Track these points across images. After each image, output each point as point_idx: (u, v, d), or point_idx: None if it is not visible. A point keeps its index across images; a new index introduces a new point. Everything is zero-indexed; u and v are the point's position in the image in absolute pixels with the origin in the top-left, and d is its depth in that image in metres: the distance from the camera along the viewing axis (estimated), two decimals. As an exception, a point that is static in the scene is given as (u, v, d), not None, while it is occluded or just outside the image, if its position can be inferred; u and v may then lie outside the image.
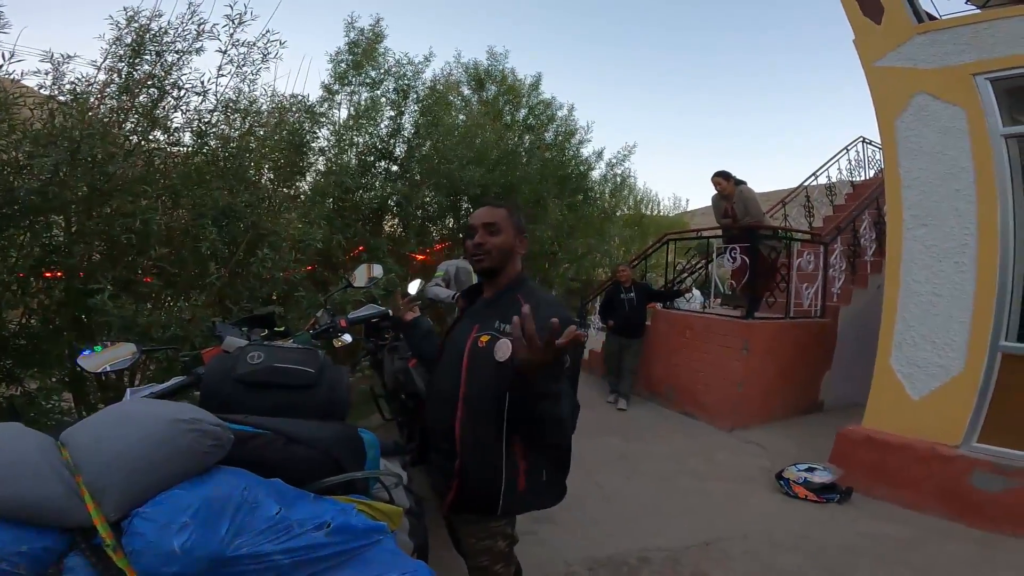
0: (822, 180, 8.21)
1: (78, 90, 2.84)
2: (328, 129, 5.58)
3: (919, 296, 3.41)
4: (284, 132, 3.88)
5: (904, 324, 3.46)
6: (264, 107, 3.75)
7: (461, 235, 8.25)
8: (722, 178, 5.23)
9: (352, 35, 6.47)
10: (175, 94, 3.17)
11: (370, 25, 6.55)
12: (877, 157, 8.54)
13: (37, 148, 2.45)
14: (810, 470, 3.40)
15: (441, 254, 6.91)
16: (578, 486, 3.39)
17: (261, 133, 3.53)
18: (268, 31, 3.32)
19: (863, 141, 8.55)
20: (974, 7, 3.83)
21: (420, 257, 6.17)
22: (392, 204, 6.26)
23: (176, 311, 2.67)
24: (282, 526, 0.93)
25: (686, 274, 6.71)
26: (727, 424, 4.65)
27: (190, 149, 3.25)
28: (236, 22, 3.20)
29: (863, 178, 8.40)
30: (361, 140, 5.97)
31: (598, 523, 2.99)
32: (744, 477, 3.70)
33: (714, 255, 5.56)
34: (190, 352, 2.14)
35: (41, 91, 2.75)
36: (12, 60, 2.49)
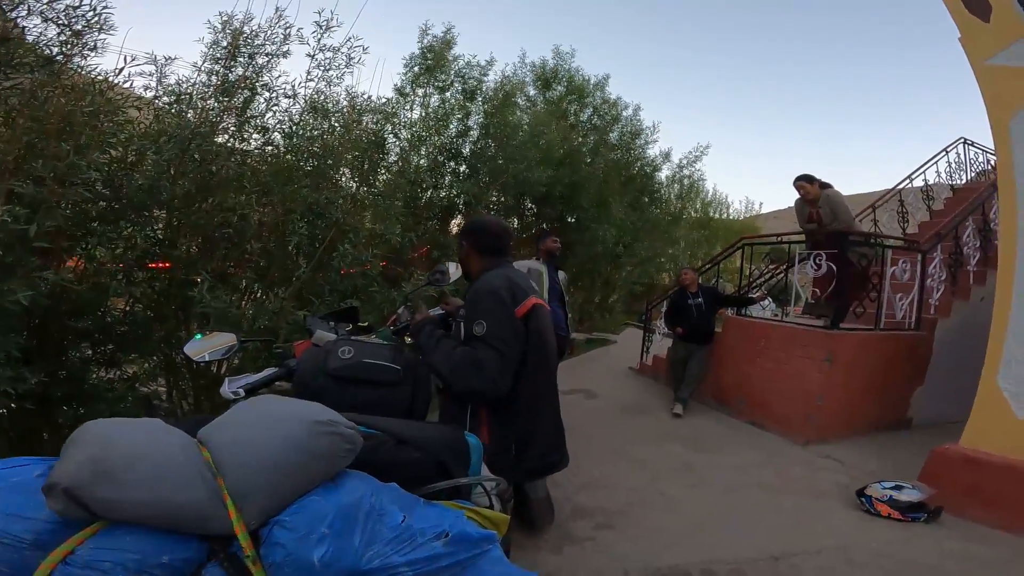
0: (917, 183, 7.57)
1: (181, 91, 3.05)
2: (403, 130, 5.80)
3: (1035, 311, 3.11)
4: (362, 132, 4.05)
5: (1015, 340, 3.17)
6: (344, 108, 3.93)
7: (525, 236, 8.33)
8: (806, 182, 4.95)
9: (426, 40, 6.72)
10: (266, 96, 3.37)
11: (442, 32, 6.77)
12: (980, 160, 7.83)
13: (147, 146, 2.65)
14: (897, 488, 3.17)
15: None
16: (640, 492, 3.37)
17: (338, 132, 3.68)
18: (352, 37, 3.48)
19: (964, 142, 7.88)
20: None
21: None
22: (460, 203, 6.41)
23: (265, 303, 2.84)
24: (407, 535, 0.88)
25: (761, 280, 6.40)
26: (802, 437, 4.39)
27: (281, 148, 3.45)
28: (324, 28, 3.38)
29: (964, 181, 7.69)
30: (432, 140, 6.16)
31: (660, 531, 2.90)
32: (819, 492, 3.48)
33: (796, 261, 5.25)
34: (282, 344, 2.25)
35: (147, 92, 2.94)
36: (131, 63, 2.66)
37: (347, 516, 0.86)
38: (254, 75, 3.29)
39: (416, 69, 6.67)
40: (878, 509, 3.14)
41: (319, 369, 1.46)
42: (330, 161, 3.52)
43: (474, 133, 6.74)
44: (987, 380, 3.27)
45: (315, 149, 3.44)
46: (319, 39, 3.39)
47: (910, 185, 7.53)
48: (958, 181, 7.75)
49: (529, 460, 1.68)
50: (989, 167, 7.59)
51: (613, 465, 3.82)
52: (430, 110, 6.48)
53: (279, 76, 3.37)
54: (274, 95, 3.37)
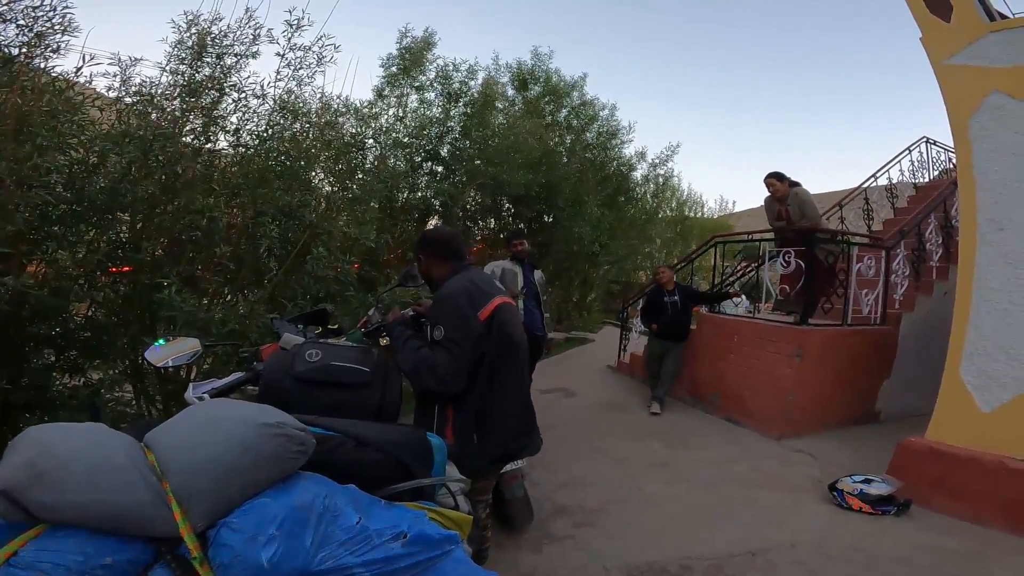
0: (882, 182, 7.80)
1: (145, 92, 2.96)
2: (380, 132, 5.74)
3: (994, 304, 3.20)
4: (336, 133, 3.99)
5: (977, 334, 3.26)
6: (316, 108, 3.86)
7: (502, 235, 8.33)
8: (776, 179, 5.05)
9: (405, 42, 6.67)
10: (234, 96, 3.29)
11: (422, 35, 6.75)
12: (942, 158, 8.08)
13: (109, 147, 2.56)
14: (867, 481, 3.24)
15: (482, 254, 6.97)
16: (619, 490, 3.39)
17: (311, 135, 3.63)
18: (323, 36, 3.42)
19: (927, 141, 8.13)
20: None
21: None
22: (437, 204, 6.37)
23: (234, 307, 2.78)
24: (362, 536, 0.88)
25: (734, 278, 6.50)
26: (775, 432, 4.48)
27: (250, 150, 3.37)
28: (294, 27, 3.31)
29: (926, 180, 7.95)
30: (410, 142, 6.11)
31: (639, 528, 2.93)
32: (793, 486, 3.55)
33: (766, 259, 5.35)
34: (249, 348, 2.20)
35: (110, 93, 2.87)
36: (89, 63, 2.59)
37: (298, 517, 0.86)
38: (222, 75, 3.21)
39: (394, 69, 6.62)
40: (849, 503, 3.20)
41: (285, 372, 1.44)
42: (302, 162, 3.45)
43: (452, 135, 6.71)
44: (950, 373, 3.34)
45: (287, 148, 3.37)
46: (289, 38, 3.33)
47: (875, 183, 7.74)
48: (921, 179, 7.99)
49: (490, 448, 1.74)
50: (950, 165, 7.84)
51: (592, 463, 3.84)
52: (407, 110, 6.44)
53: (248, 76, 3.30)
54: (243, 95, 3.30)
